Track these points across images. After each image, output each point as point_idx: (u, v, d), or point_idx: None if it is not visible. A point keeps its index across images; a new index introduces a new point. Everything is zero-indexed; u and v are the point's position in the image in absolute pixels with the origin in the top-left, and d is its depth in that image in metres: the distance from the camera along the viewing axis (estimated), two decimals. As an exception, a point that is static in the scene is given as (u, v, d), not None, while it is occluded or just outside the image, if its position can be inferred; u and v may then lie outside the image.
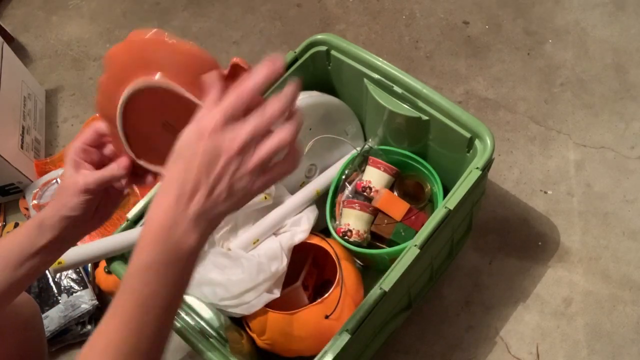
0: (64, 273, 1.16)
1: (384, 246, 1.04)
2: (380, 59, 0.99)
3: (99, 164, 0.66)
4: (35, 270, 0.67)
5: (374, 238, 1.05)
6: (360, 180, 1.06)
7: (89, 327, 1.14)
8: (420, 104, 0.98)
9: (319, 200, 1.08)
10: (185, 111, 0.54)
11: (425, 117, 0.98)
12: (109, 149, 0.67)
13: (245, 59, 0.55)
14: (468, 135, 0.94)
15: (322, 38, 1.04)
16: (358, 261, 1.13)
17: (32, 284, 1.16)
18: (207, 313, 0.94)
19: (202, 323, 0.92)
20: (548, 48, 1.38)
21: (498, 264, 1.15)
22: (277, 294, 0.95)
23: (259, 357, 1.03)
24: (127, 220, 0.95)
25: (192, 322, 0.90)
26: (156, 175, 0.66)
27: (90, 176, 0.63)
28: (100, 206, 0.67)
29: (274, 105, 0.49)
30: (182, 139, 0.50)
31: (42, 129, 1.43)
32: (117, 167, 0.64)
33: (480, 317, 1.10)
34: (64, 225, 0.65)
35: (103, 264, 1.16)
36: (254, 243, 1.00)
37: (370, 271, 1.12)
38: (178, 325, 0.89)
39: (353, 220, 1.03)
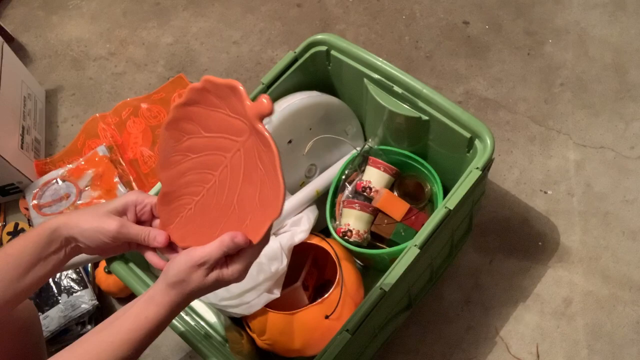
0: (64, 273, 1.16)
1: (384, 246, 1.04)
2: (380, 59, 0.99)
3: (140, 221, 0.68)
4: (40, 279, 0.68)
5: (374, 238, 1.05)
6: (360, 180, 1.06)
7: (89, 327, 1.14)
8: (420, 104, 0.98)
9: (319, 200, 1.08)
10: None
11: (425, 117, 0.98)
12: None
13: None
14: (468, 135, 0.94)
15: (322, 38, 1.04)
16: (358, 261, 1.13)
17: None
18: (207, 313, 0.94)
19: (202, 323, 0.92)
20: (548, 48, 1.38)
21: (498, 264, 1.15)
22: (277, 294, 0.95)
23: (259, 357, 1.03)
24: (127, 220, 0.95)
25: (192, 323, 0.90)
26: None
27: (126, 228, 0.65)
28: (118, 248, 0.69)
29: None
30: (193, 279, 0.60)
31: (42, 129, 1.43)
32: (154, 239, 0.66)
33: (480, 317, 1.10)
34: (73, 249, 0.67)
35: (103, 264, 1.16)
36: (254, 243, 1.00)
37: (370, 271, 1.12)
38: (178, 325, 0.89)
39: (353, 220, 1.03)
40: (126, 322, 0.62)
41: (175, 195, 0.66)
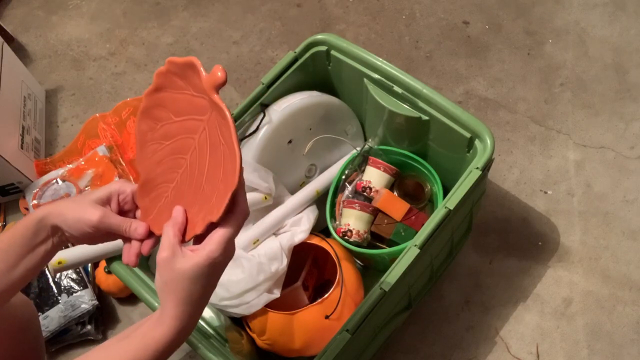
0: (64, 273, 1.16)
1: (384, 246, 1.04)
2: (380, 59, 0.99)
3: (123, 211, 0.67)
4: (31, 270, 0.67)
5: (374, 238, 1.05)
6: (360, 180, 1.06)
7: (88, 327, 1.14)
8: (420, 104, 0.98)
9: (319, 200, 1.08)
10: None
11: (425, 117, 0.98)
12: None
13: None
14: (468, 135, 0.94)
15: (322, 38, 1.04)
16: (358, 261, 1.13)
17: (32, 284, 1.16)
18: (207, 313, 0.94)
19: (202, 323, 0.92)
20: (548, 48, 1.38)
21: (498, 264, 1.15)
22: (277, 294, 0.95)
23: (259, 357, 1.03)
24: (127, 220, 0.95)
25: (192, 322, 0.90)
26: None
27: (107, 218, 0.64)
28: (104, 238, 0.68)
29: None
30: (201, 268, 0.57)
31: (42, 129, 1.43)
32: (135, 230, 0.65)
33: (480, 317, 1.10)
34: (60, 238, 0.66)
35: (103, 264, 1.16)
36: (254, 243, 1.00)
37: (370, 271, 1.12)
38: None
39: (353, 220, 1.03)
40: (133, 340, 0.60)
41: (153, 184, 0.65)
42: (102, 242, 0.68)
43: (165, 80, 0.61)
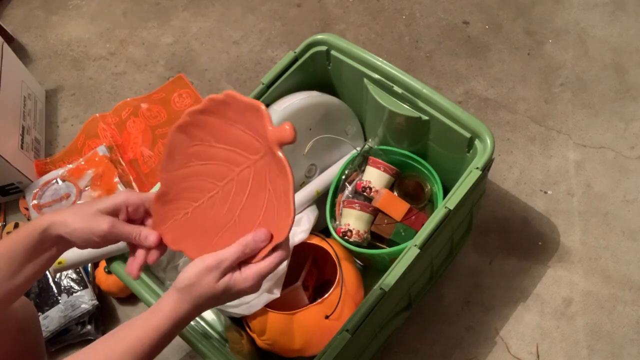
0: (64, 273, 1.16)
1: (384, 246, 1.04)
2: (380, 59, 0.99)
3: (131, 220, 0.68)
4: (33, 277, 0.68)
5: (374, 238, 1.05)
6: (360, 180, 1.06)
7: (88, 327, 1.14)
8: (420, 104, 0.98)
9: (319, 200, 1.08)
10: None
11: (425, 117, 0.98)
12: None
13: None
14: (468, 135, 0.94)
15: (322, 38, 1.04)
16: (358, 261, 1.13)
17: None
18: (207, 313, 0.94)
19: (202, 323, 0.92)
20: (548, 48, 1.38)
21: (498, 264, 1.15)
22: (277, 294, 0.95)
23: (259, 357, 1.03)
24: (127, 220, 0.95)
25: (192, 323, 0.90)
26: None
27: (117, 228, 0.65)
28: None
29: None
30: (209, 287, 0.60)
31: (42, 129, 1.43)
32: (145, 238, 0.65)
33: (480, 317, 1.10)
34: (64, 245, 0.67)
35: (103, 264, 1.16)
36: (254, 243, 1.00)
37: (370, 271, 1.12)
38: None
39: (353, 220, 1.03)
40: (132, 330, 0.61)
41: (173, 197, 0.66)
42: (106, 246, 0.69)
43: (216, 108, 0.62)
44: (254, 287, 0.60)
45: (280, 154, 0.57)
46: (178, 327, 0.61)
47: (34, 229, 0.65)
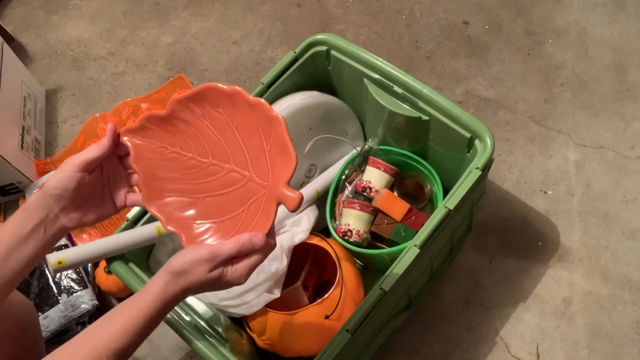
0: (64, 273, 1.16)
1: (384, 246, 1.04)
2: (380, 59, 0.99)
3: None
4: (25, 263, 0.67)
5: (374, 238, 1.05)
6: (360, 180, 1.06)
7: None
8: (420, 104, 0.98)
9: (319, 200, 1.08)
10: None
11: (425, 117, 0.98)
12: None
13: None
14: (468, 135, 0.94)
15: (322, 38, 1.04)
16: (358, 261, 1.13)
17: (32, 284, 1.16)
18: (207, 313, 0.94)
19: (202, 323, 0.92)
20: (548, 48, 1.38)
21: (498, 264, 1.15)
22: (277, 294, 0.95)
23: (259, 357, 1.03)
24: (127, 220, 0.96)
25: (192, 322, 0.90)
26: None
27: (82, 155, 0.66)
28: (95, 198, 0.68)
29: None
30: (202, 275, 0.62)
31: (42, 129, 1.43)
32: (104, 141, 0.67)
33: (480, 317, 1.10)
34: (49, 204, 0.65)
35: (103, 264, 1.16)
36: (254, 243, 1.00)
37: (370, 271, 1.12)
38: (178, 325, 0.89)
39: (353, 220, 1.03)
40: (121, 313, 0.63)
41: (170, 166, 0.68)
42: (99, 211, 0.69)
43: (238, 99, 0.63)
44: (243, 279, 0.62)
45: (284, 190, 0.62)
46: (166, 308, 0.63)
47: (19, 210, 0.66)
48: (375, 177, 1.05)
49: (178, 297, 0.63)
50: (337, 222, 1.04)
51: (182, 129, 0.67)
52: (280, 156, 0.61)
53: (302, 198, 0.61)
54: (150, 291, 0.62)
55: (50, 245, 0.68)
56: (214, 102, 0.64)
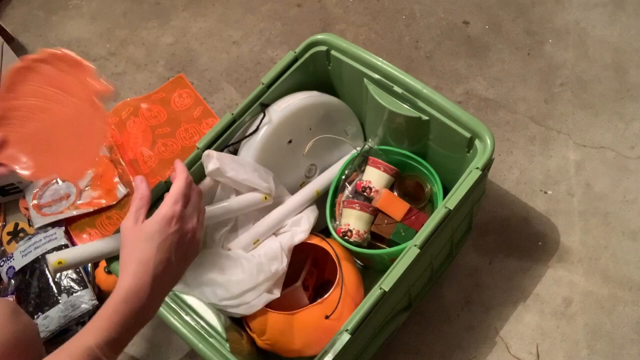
0: (64, 273, 1.16)
1: (384, 246, 1.04)
2: (380, 59, 0.99)
3: None
4: None
5: (374, 238, 1.05)
6: (360, 180, 1.06)
7: (89, 327, 1.14)
8: (420, 104, 0.98)
9: (319, 200, 1.08)
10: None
11: (425, 117, 0.98)
12: None
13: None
14: (468, 135, 0.94)
15: (322, 38, 1.04)
16: (358, 261, 1.13)
17: (32, 283, 1.16)
18: (207, 313, 0.94)
19: (202, 323, 0.92)
20: (548, 48, 1.38)
21: (498, 264, 1.15)
22: (277, 294, 0.95)
23: (259, 357, 1.03)
24: (127, 220, 0.95)
25: (192, 322, 0.90)
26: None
27: None
28: None
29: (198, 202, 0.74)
30: (152, 225, 0.68)
31: (42, 129, 1.43)
32: None
33: (480, 317, 1.10)
34: None
35: (103, 264, 1.17)
36: (254, 243, 1.00)
37: (370, 271, 1.12)
38: (178, 325, 0.89)
39: (353, 220, 1.03)
40: (106, 301, 0.64)
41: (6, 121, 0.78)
42: None
43: (52, 60, 0.79)
44: (174, 208, 0.69)
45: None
46: (149, 284, 0.65)
47: None
48: (375, 177, 1.05)
49: (158, 266, 0.65)
50: (337, 222, 1.04)
51: (16, 116, 0.78)
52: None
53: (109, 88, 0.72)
54: (127, 271, 0.65)
55: None
56: (22, 81, 0.77)
